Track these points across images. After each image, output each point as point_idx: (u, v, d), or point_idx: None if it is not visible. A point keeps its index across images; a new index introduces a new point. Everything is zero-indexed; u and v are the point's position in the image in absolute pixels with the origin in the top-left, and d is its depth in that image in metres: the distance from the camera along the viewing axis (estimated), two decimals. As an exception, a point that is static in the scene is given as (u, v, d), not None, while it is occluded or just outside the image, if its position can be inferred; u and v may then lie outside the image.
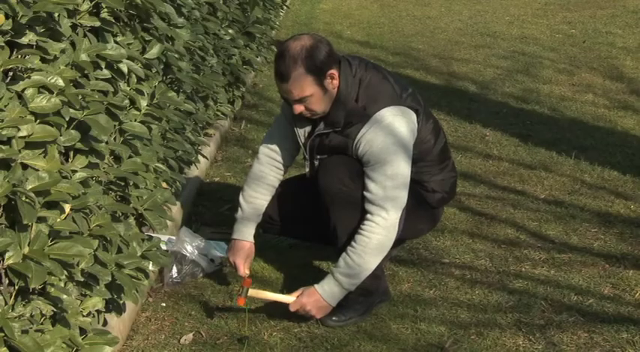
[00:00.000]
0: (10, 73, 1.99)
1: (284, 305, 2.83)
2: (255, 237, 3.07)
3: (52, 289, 2.06)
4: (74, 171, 2.23)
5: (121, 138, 2.60)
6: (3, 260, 1.90)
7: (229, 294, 3.11)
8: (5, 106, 1.92)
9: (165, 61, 3.12)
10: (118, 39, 2.59)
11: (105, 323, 2.58)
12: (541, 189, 4.09)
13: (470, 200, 3.93)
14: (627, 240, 3.51)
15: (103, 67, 2.42)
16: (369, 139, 2.74)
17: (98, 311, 2.49)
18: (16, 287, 1.96)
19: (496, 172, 4.34)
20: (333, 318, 2.87)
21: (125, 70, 2.51)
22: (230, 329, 2.87)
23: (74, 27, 2.30)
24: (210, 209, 3.87)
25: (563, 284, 3.14)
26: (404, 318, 2.93)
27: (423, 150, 2.92)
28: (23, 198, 1.87)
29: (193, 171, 4.03)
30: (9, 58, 1.98)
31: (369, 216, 2.74)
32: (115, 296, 2.48)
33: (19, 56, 2.01)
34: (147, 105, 2.80)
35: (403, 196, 2.76)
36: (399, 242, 3.06)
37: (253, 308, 2.97)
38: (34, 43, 2.07)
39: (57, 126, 2.06)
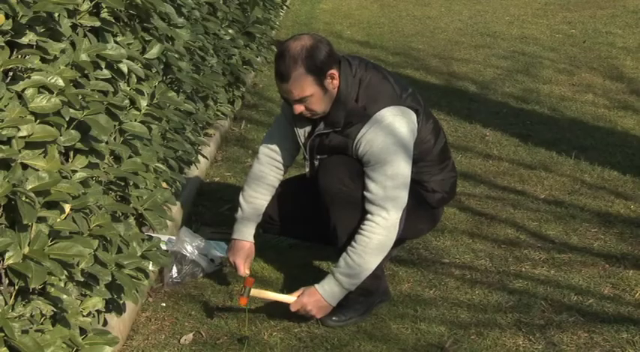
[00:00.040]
0: (10, 73, 1.99)
1: (284, 306, 2.83)
2: (255, 237, 3.07)
3: (52, 289, 2.06)
4: (74, 171, 2.23)
5: (121, 138, 2.60)
6: (3, 260, 1.90)
7: (229, 294, 3.11)
8: (5, 106, 1.92)
9: (165, 61, 3.12)
10: (118, 39, 2.59)
11: (105, 323, 2.58)
12: (541, 189, 4.09)
13: (470, 200, 3.93)
14: (627, 240, 3.51)
15: (103, 67, 2.42)
16: (370, 139, 2.74)
17: (98, 311, 2.49)
18: (16, 287, 1.96)
19: (496, 172, 4.34)
20: (333, 318, 2.87)
21: (125, 70, 2.52)
22: (230, 329, 2.87)
23: (74, 27, 2.30)
24: (210, 209, 3.87)
25: (563, 284, 3.14)
26: (404, 318, 2.93)
27: (423, 150, 2.92)
28: (23, 198, 1.87)
29: (193, 171, 4.03)
30: (9, 58, 1.98)
31: (369, 216, 2.74)
32: (115, 296, 2.48)
33: (19, 56, 2.01)
34: (147, 105, 2.80)
35: (403, 196, 2.76)
36: (399, 242, 3.06)
37: (253, 308, 2.97)
38: (34, 43, 2.07)
39: (57, 126, 2.06)
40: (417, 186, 2.93)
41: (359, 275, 2.76)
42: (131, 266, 2.48)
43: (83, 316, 2.28)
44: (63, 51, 2.19)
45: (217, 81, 4.23)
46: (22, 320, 1.92)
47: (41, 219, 2.01)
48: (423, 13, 9.11)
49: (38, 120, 2.02)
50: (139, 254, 2.61)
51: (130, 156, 2.60)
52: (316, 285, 2.80)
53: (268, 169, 3.05)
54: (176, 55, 3.21)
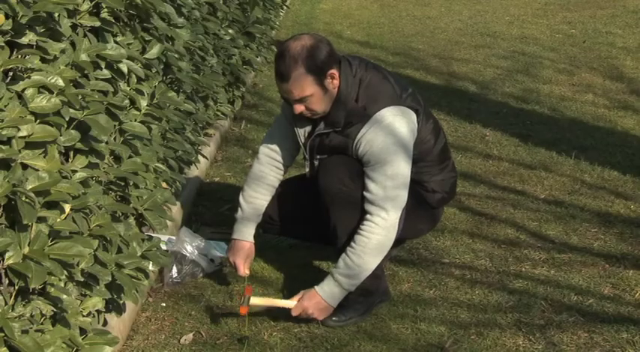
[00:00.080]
0: (10, 73, 1.99)
1: (285, 310, 2.83)
2: (255, 237, 3.07)
3: (52, 289, 2.06)
4: (74, 171, 2.23)
5: (121, 138, 2.60)
6: (3, 260, 1.90)
7: (229, 294, 3.11)
8: (5, 106, 1.92)
9: (165, 61, 3.12)
10: (118, 39, 2.59)
11: (105, 323, 2.58)
12: (541, 189, 4.09)
13: (470, 200, 3.93)
14: (627, 240, 3.51)
15: (103, 67, 2.42)
16: (370, 139, 2.74)
17: (98, 311, 2.49)
18: (16, 287, 1.95)
19: (496, 172, 4.34)
20: (334, 318, 2.86)
21: (125, 70, 2.51)
22: (230, 329, 2.87)
23: (74, 27, 2.30)
24: (210, 209, 3.87)
25: (563, 284, 3.14)
26: (404, 318, 2.93)
27: (423, 151, 2.92)
28: (23, 198, 1.87)
29: (193, 171, 4.03)
30: (9, 58, 1.98)
31: (368, 216, 2.74)
32: (115, 296, 2.48)
33: (19, 56, 2.01)
34: (147, 105, 2.80)
35: (403, 196, 2.76)
36: (399, 242, 3.06)
37: (253, 308, 2.97)
38: (34, 43, 2.07)
39: (57, 126, 2.06)
40: (417, 186, 2.93)
41: (358, 275, 2.76)
42: (131, 266, 2.48)
43: (83, 316, 2.28)
44: (63, 51, 2.19)
45: (217, 81, 4.23)
46: (22, 320, 1.92)
47: (41, 219, 2.01)
48: (423, 13, 9.11)
49: (38, 120, 2.02)
50: (139, 254, 2.61)
51: (130, 156, 2.60)
52: (316, 287, 2.80)
53: (268, 169, 3.05)
54: (176, 55, 3.21)
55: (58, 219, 2.06)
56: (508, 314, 2.95)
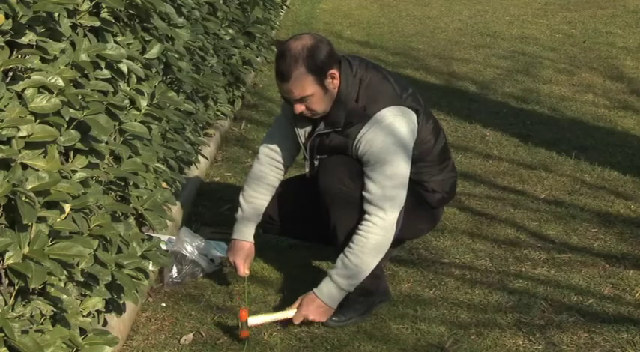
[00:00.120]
0: (10, 73, 1.99)
1: (284, 305, 2.83)
2: (255, 237, 3.07)
3: (52, 289, 2.06)
4: (74, 171, 2.23)
5: (121, 138, 2.60)
6: (3, 260, 1.90)
7: (229, 294, 3.11)
8: (5, 106, 1.92)
9: (165, 61, 3.12)
10: (118, 39, 2.59)
11: (105, 323, 2.58)
12: (541, 189, 4.09)
13: (470, 200, 3.93)
14: (627, 240, 3.51)
15: (103, 67, 2.42)
16: (369, 139, 2.74)
17: (98, 311, 2.49)
18: (16, 287, 1.96)
19: (496, 172, 4.34)
20: (334, 318, 2.86)
21: (125, 70, 2.52)
22: (230, 330, 2.87)
23: (74, 27, 2.30)
24: (210, 209, 3.87)
25: (563, 284, 3.14)
26: (404, 318, 2.93)
27: (423, 151, 2.92)
28: (23, 198, 1.87)
29: (193, 171, 4.03)
30: (9, 58, 1.98)
31: (367, 216, 2.74)
32: (115, 296, 2.48)
33: (19, 56, 2.01)
34: (147, 105, 2.80)
35: (402, 196, 2.76)
36: (399, 242, 3.07)
37: (254, 308, 2.97)
38: (34, 43, 2.07)
39: (57, 126, 2.06)
40: (417, 187, 2.93)
41: (357, 275, 2.76)
42: (131, 266, 2.48)
43: (83, 316, 2.28)
44: (63, 51, 2.19)
45: (217, 81, 4.23)
46: (22, 320, 1.92)
47: (41, 219, 2.01)
48: (423, 13, 9.11)
49: (38, 120, 2.02)
50: (139, 254, 2.61)
51: (130, 156, 2.60)
52: (314, 290, 2.79)
53: (268, 169, 3.05)
54: (176, 55, 3.21)
55: (58, 219, 2.06)
56: (508, 314, 2.95)
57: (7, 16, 1.94)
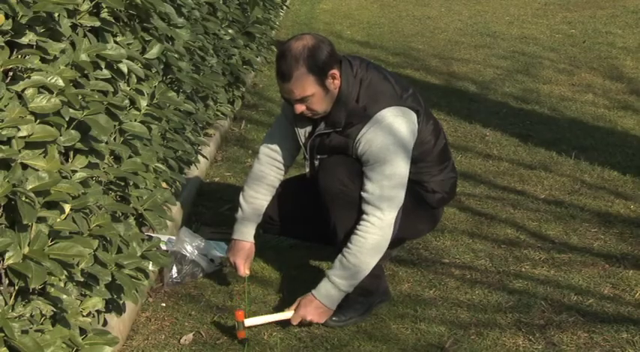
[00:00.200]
0: (10, 73, 1.99)
1: (284, 306, 2.82)
2: (256, 237, 3.07)
3: (52, 289, 2.06)
4: (74, 171, 2.23)
5: (121, 138, 2.60)
6: (3, 260, 1.90)
7: (229, 294, 3.11)
8: (5, 106, 1.92)
9: (165, 61, 3.12)
10: (118, 39, 2.59)
11: (105, 323, 2.58)
12: (541, 189, 4.09)
13: (470, 200, 3.93)
14: (627, 240, 3.51)
15: (103, 67, 2.42)
16: (369, 139, 2.74)
17: (98, 311, 2.49)
18: (16, 287, 1.96)
19: (496, 172, 4.34)
20: (333, 318, 2.86)
21: (125, 70, 2.52)
22: (230, 330, 2.87)
23: (74, 27, 2.30)
24: (210, 209, 3.87)
25: (563, 284, 3.14)
26: (404, 318, 2.93)
27: (424, 151, 2.92)
28: (23, 198, 1.87)
29: (193, 171, 4.03)
30: (9, 58, 1.98)
31: (364, 216, 2.74)
32: (115, 296, 2.48)
33: (19, 56, 2.01)
34: (147, 105, 2.80)
35: (400, 196, 2.75)
36: (399, 242, 3.07)
37: (254, 308, 2.97)
38: (34, 43, 2.07)
39: (57, 126, 2.06)
40: (416, 187, 2.93)
41: (355, 276, 2.75)
42: (131, 266, 2.48)
43: (83, 316, 2.28)
44: (63, 51, 2.19)
45: (217, 81, 4.23)
46: (22, 320, 1.92)
47: (41, 219, 2.01)
48: (423, 13, 9.11)
49: (38, 120, 2.02)
50: (139, 254, 2.61)
51: (130, 156, 2.60)
52: (312, 291, 2.79)
53: (268, 169, 3.05)
54: (176, 55, 3.21)
55: (58, 219, 2.06)
56: (508, 314, 2.95)
57: (7, 16, 1.95)
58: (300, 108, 2.75)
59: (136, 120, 2.67)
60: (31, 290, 2.00)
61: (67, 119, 2.09)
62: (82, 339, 2.19)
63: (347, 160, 2.81)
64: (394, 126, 2.75)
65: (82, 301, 2.32)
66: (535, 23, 8.33)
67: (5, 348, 1.86)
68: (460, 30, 8.14)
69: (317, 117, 2.80)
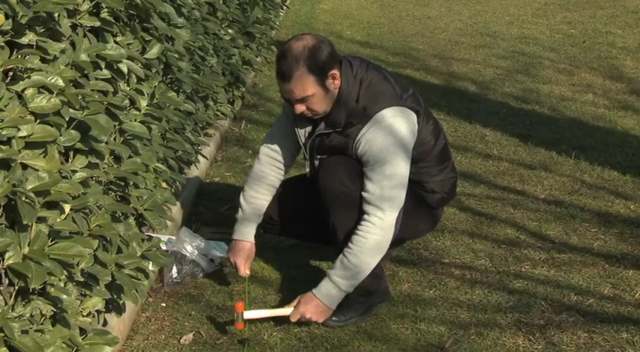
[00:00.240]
0: (10, 73, 1.99)
1: (284, 306, 2.83)
2: (256, 237, 3.07)
3: (52, 289, 2.06)
4: (74, 171, 2.23)
5: (121, 138, 2.60)
6: (3, 260, 1.90)
7: (229, 294, 3.11)
8: (5, 106, 1.92)
9: (165, 61, 3.12)
10: (118, 39, 2.59)
11: (105, 323, 2.58)
12: (541, 189, 4.09)
13: (470, 200, 3.93)
14: (627, 240, 3.51)
15: (103, 67, 2.42)
16: (369, 139, 2.74)
17: (98, 311, 2.49)
18: (16, 287, 1.96)
19: (496, 172, 4.34)
20: (333, 318, 2.86)
21: (125, 70, 2.52)
22: (230, 330, 2.87)
23: (74, 27, 2.30)
24: (210, 209, 3.87)
25: (563, 284, 3.14)
26: (404, 318, 2.93)
27: (423, 151, 2.92)
28: (23, 198, 1.87)
29: (193, 171, 4.03)
30: (9, 58, 1.98)
31: (365, 216, 2.74)
32: (115, 296, 2.48)
33: (19, 56, 2.01)
34: (147, 105, 2.80)
35: (401, 196, 2.75)
36: (399, 242, 3.06)
37: (254, 308, 2.97)
38: (34, 43, 2.07)
39: (57, 126, 2.06)
40: (416, 187, 2.93)
41: (356, 276, 2.75)
42: (131, 266, 2.48)
43: (83, 316, 2.28)
44: (63, 51, 2.19)
45: (217, 81, 4.23)
46: (22, 320, 1.92)
47: (41, 219, 2.01)
48: (423, 13, 9.11)
49: (38, 120, 2.02)
50: (138, 254, 2.61)
51: (130, 156, 2.60)
52: (313, 290, 2.79)
53: (269, 169, 3.04)
54: (176, 55, 3.21)
55: (58, 219, 2.06)
56: (508, 314, 2.95)
57: (7, 16, 1.94)
58: (300, 108, 2.75)
59: (136, 120, 2.67)
60: (31, 290, 2.00)
61: (67, 119, 2.09)
62: (82, 339, 2.19)
63: (347, 160, 2.81)
64: (394, 127, 2.75)
65: (82, 301, 2.32)
66: (535, 23, 8.33)
67: (5, 348, 1.86)
68: (460, 30, 8.14)
69: (317, 117, 2.80)
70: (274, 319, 2.88)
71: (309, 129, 2.89)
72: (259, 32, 5.68)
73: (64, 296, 2.10)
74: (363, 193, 2.74)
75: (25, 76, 2.02)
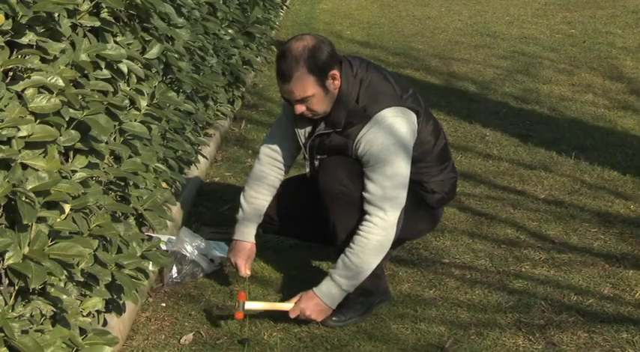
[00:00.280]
0: (10, 73, 1.99)
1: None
2: (256, 237, 3.07)
3: (52, 289, 2.06)
4: (74, 171, 2.23)
5: (121, 138, 2.60)
6: (3, 260, 1.90)
7: (229, 294, 3.11)
8: (5, 106, 1.92)
9: (165, 61, 3.12)
10: (118, 39, 2.59)
11: (105, 323, 2.58)
12: (541, 189, 4.09)
13: (470, 200, 3.93)
14: (627, 240, 3.51)
15: (103, 67, 2.42)
16: (369, 139, 2.74)
17: (98, 312, 2.49)
18: (16, 287, 1.95)
19: (496, 172, 4.34)
20: (333, 318, 2.86)
21: (125, 70, 2.51)
22: (230, 330, 2.87)
23: (74, 27, 2.30)
24: (210, 209, 3.87)
25: (563, 284, 3.14)
26: (404, 318, 2.93)
27: (423, 151, 2.92)
28: (23, 198, 1.87)
29: (193, 171, 4.03)
30: (9, 58, 1.98)
31: (367, 216, 2.74)
32: (115, 296, 2.48)
33: (19, 56, 2.01)
34: (147, 105, 2.80)
35: (402, 196, 2.76)
36: (399, 242, 3.06)
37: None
38: (34, 43, 2.07)
39: (57, 126, 2.06)
40: (416, 187, 2.93)
41: (357, 276, 2.76)
42: (131, 266, 2.48)
43: (83, 316, 2.28)
44: (63, 51, 2.19)
45: (217, 81, 4.23)
46: (22, 320, 1.92)
47: (41, 219, 2.01)
48: (423, 13, 9.11)
49: (38, 120, 2.02)
50: (138, 254, 2.61)
51: (130, 156, 2.60)
52: (314, 289, 2.79)
53: (269, 169, 3.04)
54: (176, 55, 3.21)
55: (58, 219, 2.06)
56: (508, 314, 2.95)
57: (7, 16, 1.94)
58: (300, 108, 2.75)
59: (136, 120, 2.67)
60: (31, 290, 2.00)
61: (67, 119, 2.09)
62: (82, 339, 2.19)
63: (347, 160, 2.81)
64: (394, 127, 2.75)
65: (82, 301, 2.32)
66: (535, 23, 8.33)
67: (5, 348, 1.86)
68: (460, 30, 8.14)
69: (317, 117, 2.80)
70: (274, 318, 2.88)
71: (309, 129, 2.89)
72: (259, 32, 5.68)
73: (64, 296, 2.10)
74: (364, 194, 2.74)
75: (25, 76, 2.02)
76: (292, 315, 2.78)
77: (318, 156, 2.88)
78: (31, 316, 1.99)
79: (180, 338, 2.82)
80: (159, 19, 2.89)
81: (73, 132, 2.18)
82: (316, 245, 3.29)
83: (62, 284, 2.14)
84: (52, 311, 2.05)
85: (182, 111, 3.31)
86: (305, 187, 2.97)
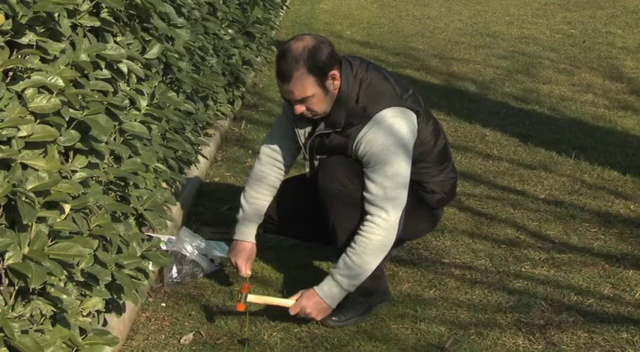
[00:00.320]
0: (10, 73, 1.99)
1: (284, 308, 2.83)
2: (257, 237, 3.07)
3: (52, 289, 2.06)
4: (74, 171, 2.23)
5: (121, 138, 2.60)
6: (3, 260, 1.90)
7: (229, 294, 3.11)
8: (5, 106, 1.92)
9: (165, 61, 3.12)
10: (118, 39, 2.59)
11: (105, 323, 2.58)
12: (541, 189, 4.09)
13: (470, 200, 3.93)
14: (627, 240, 3.51)
15: (103, 67, 2.42)
16: (370, 140, 2.74)
17: (98, 312, 2.49)
18: (16, 287, 1.96)
19: (496, 172, 4.34)
20: (333, 318, 2.86)
21: (125, 70, 2.51)
22: (230, 330, 2.87)
23: (74, 27, 2.30)
24: (210, 209, 3.87)
25: (563, 284, 3.14)
26: (404, 318, 2.93)
27: (423, 152, 2.92)
28: (23, 198, 1.87)
29: (193, 171, 4.03)
30: (9, 58, 1.98)
31: (368, 216, 2.74)
32: (115, 296, 2.48)
33: (19, 56, 2.01)
34: (147, 105, 2.80)
35: (403, 197, 2.76)
36: (399, 242, 3.06)
37: (254, 308, 2.97)
38: (34, 43, 2.07)
39: (57, 126, 2.06)
40: (416, 187, 2.93)
41: (359, 276, 2.76)
42: (131, 266, 2.48)
43: (83, 316, 2.28)
44: (63, 51, 2.19)
45: (217, 81, 4.23)
46: (22, 320, 1.92)
47: (41, 219, 2.01)
48: (423, 13, 9.11)
49: (38, 120, 2.02)
50: (138, 254, 2.61)
51: (130, 156, 2.60)
52: (315, 287, 2.79)
53: (269, 169, 3.05)
54: (176, 55, 3.21)
55: (58, 219, 2.06)
56: (508, 314, 2.95)
57: (7, 16, 1.94)
58: (300, 108, 2.75)
59: (136, 120, 2.67)
60: (31, 290, 2.00)
61: (67, 119, 2.09)
62: (82, 339, 2.19)
63: (346, 160, 2.81)
64: (394, 127, 2.75)
65: (82, 301, 2.32)
66: (535, 23, 8.33)
67: (5, 348, 1.86)
68: (460, 30, 8.14)
69: (317, 117, 2.80)
70: (274, 318, 2.88)
71: (308, 129, 2.89)
72: (259, 32, 5.68)
73: (64, 296, 2.10)
74: (364, 194, 2.74)
75: (25, 76, 2.02)
76: (292, 312, 2.78)
77: (318, 156, 2.88)
78: (31, 316, 1.99)
79: (180, 338, 2.82)
80: (159, 19, 2.89)
81: (73, 132, 2.18)
82: (316, 245, 3.29)
83: (62, 284, 2.14)
84: (52, 311, 2.05)
85: (182, 111, 3.31)
86: (305, 187, 2.97)
